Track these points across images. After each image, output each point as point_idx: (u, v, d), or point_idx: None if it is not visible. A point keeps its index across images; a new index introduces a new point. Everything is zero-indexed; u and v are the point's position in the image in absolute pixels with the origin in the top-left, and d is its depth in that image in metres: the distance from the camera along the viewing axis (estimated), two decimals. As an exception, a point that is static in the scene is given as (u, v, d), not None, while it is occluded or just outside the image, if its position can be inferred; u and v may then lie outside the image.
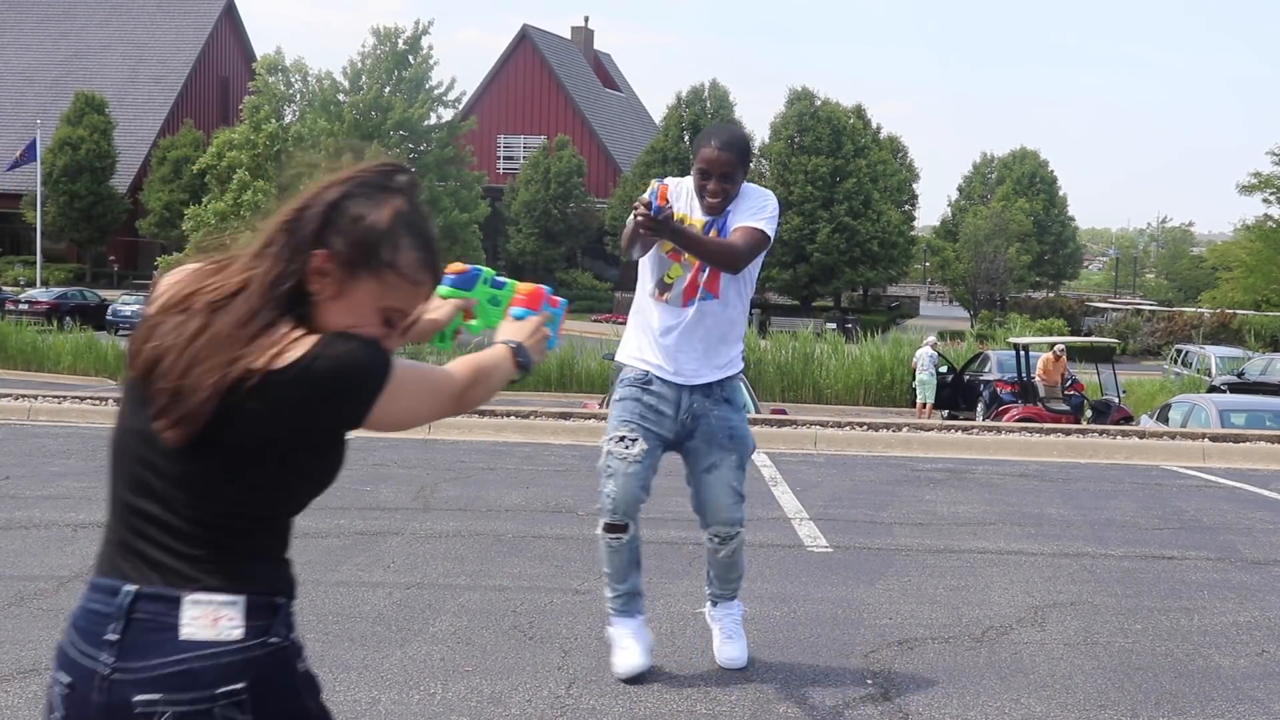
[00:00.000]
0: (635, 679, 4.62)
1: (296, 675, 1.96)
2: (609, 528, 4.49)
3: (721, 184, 4.37)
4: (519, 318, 2.40)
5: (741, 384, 4.63)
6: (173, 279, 2.00)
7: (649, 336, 4.53)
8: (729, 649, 4.76)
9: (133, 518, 1.94)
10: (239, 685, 1.87)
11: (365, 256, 1.94)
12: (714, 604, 4.86)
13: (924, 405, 24.29)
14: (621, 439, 4.46)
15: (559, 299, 2.54)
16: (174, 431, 1.88)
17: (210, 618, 1.88)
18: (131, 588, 1.89)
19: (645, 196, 4.14)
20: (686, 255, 4.40)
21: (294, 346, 1.87)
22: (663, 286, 4.49)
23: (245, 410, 1.85)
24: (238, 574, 1.92)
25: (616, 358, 4.71)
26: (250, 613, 1.90)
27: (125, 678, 1.86)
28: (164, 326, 1.92)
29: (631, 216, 4.15)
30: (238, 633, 1.88)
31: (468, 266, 2.46)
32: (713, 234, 4.44)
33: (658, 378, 4.48)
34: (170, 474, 1.91)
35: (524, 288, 2.50)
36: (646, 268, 4.54)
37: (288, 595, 1.99)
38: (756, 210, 4.42)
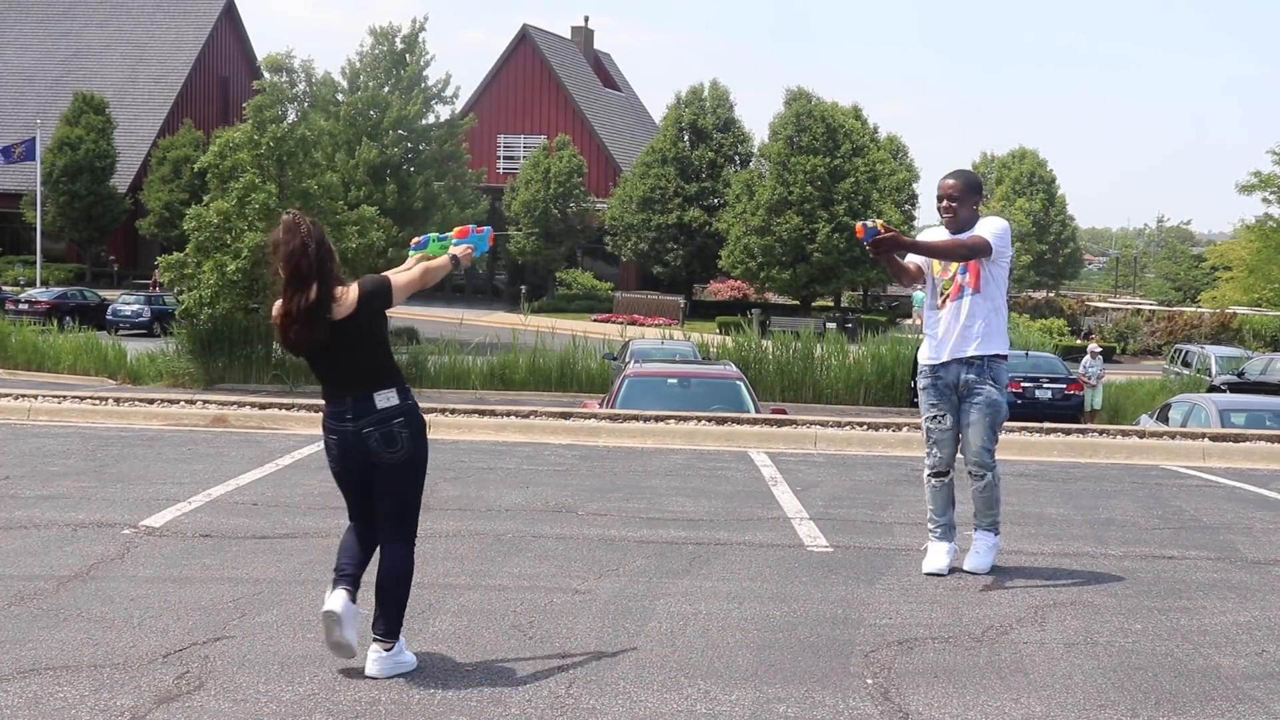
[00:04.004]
0: (635, 679, 4.64)
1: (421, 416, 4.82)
2: (935, 474, 6.44)
3: (948, 203, 6.28)
4: (457, 244, 5.00)
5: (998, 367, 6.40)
6: None
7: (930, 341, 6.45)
8: (971, 560, 6.44)
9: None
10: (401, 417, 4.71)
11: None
12: (975, 529, 6.51)
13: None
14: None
15: (484, 227, 5.10)
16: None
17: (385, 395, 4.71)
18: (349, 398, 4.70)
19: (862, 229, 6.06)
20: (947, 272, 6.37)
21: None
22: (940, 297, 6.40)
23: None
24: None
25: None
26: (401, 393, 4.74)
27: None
28: None
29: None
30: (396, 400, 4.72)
31: (420, 238, 5.07)
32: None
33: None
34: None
35: (458, 230, 5.07)
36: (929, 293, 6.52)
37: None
38: (985, 227, 6.24)
